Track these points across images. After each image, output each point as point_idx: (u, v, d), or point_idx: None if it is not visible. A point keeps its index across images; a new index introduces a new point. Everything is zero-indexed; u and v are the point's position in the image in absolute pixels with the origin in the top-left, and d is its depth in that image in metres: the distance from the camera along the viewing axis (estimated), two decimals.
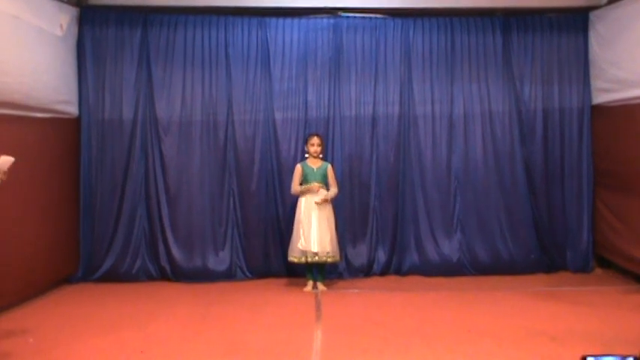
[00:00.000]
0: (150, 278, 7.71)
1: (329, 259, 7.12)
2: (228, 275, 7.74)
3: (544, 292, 7.00)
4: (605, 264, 7.96)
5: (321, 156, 7.30)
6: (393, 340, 5.28)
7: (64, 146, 7.38)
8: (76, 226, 7.64)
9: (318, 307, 6.44)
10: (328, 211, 7.17)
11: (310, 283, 7.21)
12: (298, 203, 7.19)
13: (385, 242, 7.96)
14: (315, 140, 7.27)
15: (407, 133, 8.01)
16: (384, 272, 7.89)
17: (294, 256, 7.13)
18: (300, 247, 7.04)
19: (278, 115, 7.89)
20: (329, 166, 7.29)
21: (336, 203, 7.58)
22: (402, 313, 6.22)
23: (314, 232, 7.03)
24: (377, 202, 7.97)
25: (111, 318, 6.02)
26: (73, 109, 7.54)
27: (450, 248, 7.94)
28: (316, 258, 7.04)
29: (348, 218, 7.88)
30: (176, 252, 7.74)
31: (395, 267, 7.95)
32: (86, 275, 7.63)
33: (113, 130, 7.74)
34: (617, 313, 6.04)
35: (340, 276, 7.76)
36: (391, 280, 7.77)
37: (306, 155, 7.32)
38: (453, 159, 8.02)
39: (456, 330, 5.53)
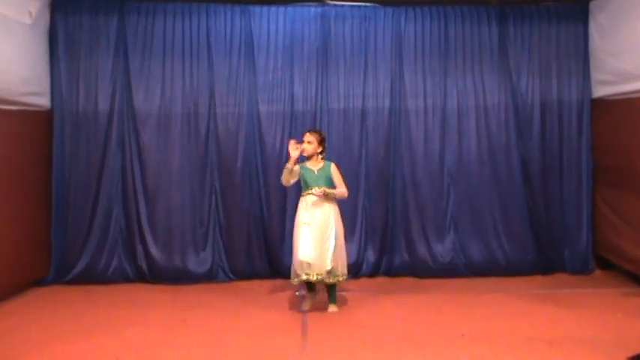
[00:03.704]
0: (126, 280, 7.52)
1: (328, 280, 6.19)
2: (209, 276, 7.56)
3: (541, 295, 6.86)
4: (606, 265, 7.81)
5: (321, 157, 6.41)
6: (383, 345, 5.23)
7: (35, 140, 7.18)
8: (48, 225, 7.43)
9: (304, 310, 6.34)
10: (330, 219, 6.25)
11: (309, 298, 6.40)
12: (298, 212, 6.38)
13: (374, 242, 7.81)
14: (307, 136, 6.40)
15: (398, 127, 7.85)
16: (373, 273, 7.76)
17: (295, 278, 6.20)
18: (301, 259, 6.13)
19: (262, 108, 7.72)
20: (332, 166, 6.38)
21: None
22: (392, 316, 6.16)
23: (310, 243, 6.11)
24: (366, 199, 7.82)
25: (84, 322, 5.87)
26: (44, 102, 7.34)
27: (443, 248, 7.81)
28: (316, 277, 6.10)
29: None
30: (154, 252, 7.54)
31: (385, 268, 7.81)
32: (58, 277, 7.41)
33: (88, 123, 7.53)
34: (617, 316, 5.94)
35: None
36: (381, 281, 7.66)
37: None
38: (446, 154, 7.87)
39: (448, 334, 5.46)
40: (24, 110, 6.86)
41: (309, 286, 6.29)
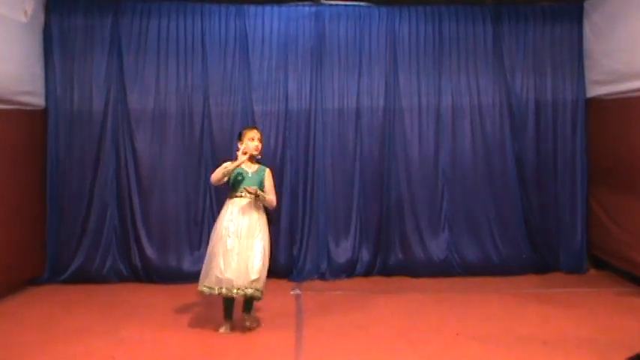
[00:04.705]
0: (121, 279, 7.46)
1: (251, 292, 5.38)
2: None
3: (535, 294, 6.84)
4: (600, 264, 7.80)
5: (259, 157, 5.76)
6: (378, 344, 5.20)
7: (29, 140, 7.12)
8: (43, 225, 7.37)
9: (299, 309, 6.30)
10: (256, 227, 5.54)
11: (228, 323, 5.59)
12: (221, 214, 5.69)
13: (369, 241, 7.76)
14: (257, 134, 5.72)
15: (392, 126, 7.82)
16: (368, 273, 7.71)
17: (205, 286, 5.45)
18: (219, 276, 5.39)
19: (257, 107, 7.67)
20: (267, 171, 5.72)
21: (319, 199, 7.57)
22: (387, 316, 6.11)
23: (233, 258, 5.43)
24: (361, 198, 7.77)
25: (79, 322, 5.83)
26: (38, 101, 7.29)
27: (437, 247, 7.76)
28: (235, 291, 5.38)
29: (330, 216, 7.69)
30: (149, 251, 7.48)
31: (379, 267, 7.77)
32: (53, 276, 7.36)
33: (82, 122, 7.47)
34: (612, 316, 5.94)
35: (322, 277, 7.59)
36: (375, 280, 7.61)
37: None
38: (440, 154, 7.84)
39: (443, 334, 5.44)
40: (18, 109, 6.81)
41: (228, 309, 5.56)
